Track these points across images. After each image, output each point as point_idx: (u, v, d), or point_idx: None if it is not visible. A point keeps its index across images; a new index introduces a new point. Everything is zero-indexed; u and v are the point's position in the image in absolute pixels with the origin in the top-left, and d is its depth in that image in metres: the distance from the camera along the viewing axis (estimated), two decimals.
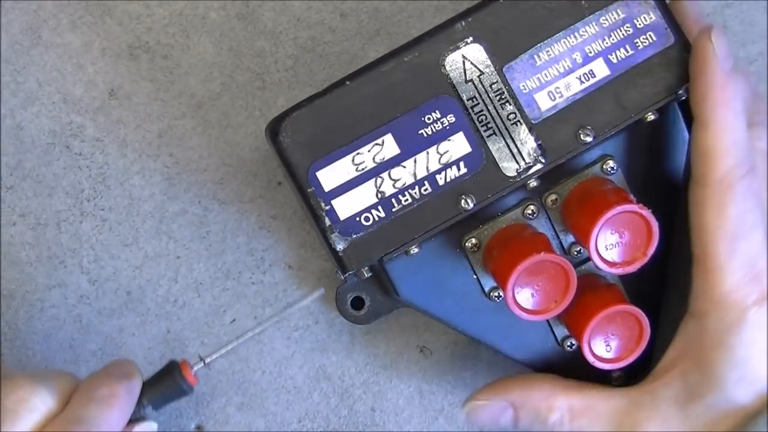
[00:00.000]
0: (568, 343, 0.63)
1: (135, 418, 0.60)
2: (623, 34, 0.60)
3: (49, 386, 0.59)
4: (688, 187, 0.60)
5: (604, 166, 0.62)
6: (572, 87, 0.60)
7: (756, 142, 0.60)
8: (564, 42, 0.60)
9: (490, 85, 0.60)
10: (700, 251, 0.59)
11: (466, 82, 0.60)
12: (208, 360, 0.61)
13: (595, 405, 0.61)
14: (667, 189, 0.63)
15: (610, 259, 0.60)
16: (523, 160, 0.60)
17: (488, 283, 0.62)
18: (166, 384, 0.61)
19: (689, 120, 0.63)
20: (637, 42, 0.60)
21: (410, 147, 0.60)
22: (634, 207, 0.59)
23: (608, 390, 0.62)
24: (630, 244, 0.59)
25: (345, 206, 0.60)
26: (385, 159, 0.60)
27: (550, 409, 0.62)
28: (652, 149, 0.62)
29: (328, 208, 0.60)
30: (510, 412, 0.62)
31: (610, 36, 0.60)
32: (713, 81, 0.59)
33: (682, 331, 0.61)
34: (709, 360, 0.59)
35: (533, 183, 0.60)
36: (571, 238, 0.62)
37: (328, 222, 0.60)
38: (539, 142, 0.60)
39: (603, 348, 0.61)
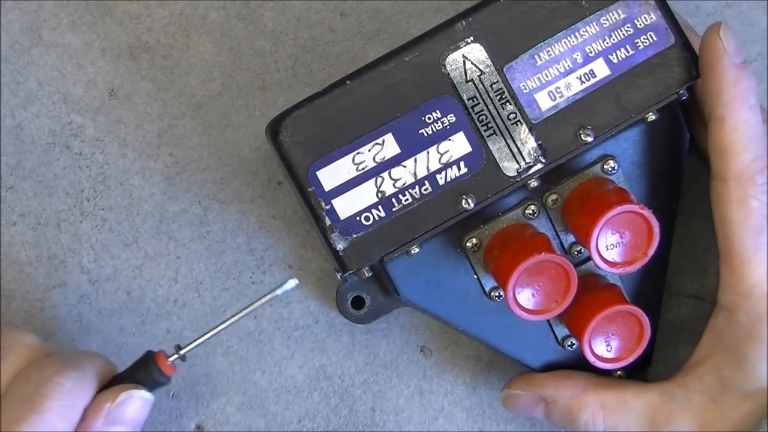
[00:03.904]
0: (569, 343, 0.63)
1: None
2: (624, 34, 0.60)
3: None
4: (710, 184, 0.60)
5: (604, 166, 0.62)
6: (573, 87, 0.60)
7: None
8: (564, 42, 0.60)
9: (491, 85, 0.60)
10: (725, 246, 0.59)
11: (467, 81, 0.60)
12: (183, 351, 0.61)
13: (627, 400, 0.61)
14: (668, 189, 0.63)
15: (610, 259, 0.60)
16: (524, 160, 0.60)
17: (489, 283, 0.62)
18: (141, 375, 0.61)
19: (689, 120, 0.63)
20: (637, 42, 0.60)
21: (411, 146, 0.60)
22: (635, 207, 0.59)
23: (639, 385, 0.62)
24: (631, 244, 0.59)
25: (345, 206, 0.60)
26: (385, 158, 0.60)
27: (581, 407, 0.61)
28: (652, 149, 0.62)
29: (328, 207, 0.60)
30: (542, 406, 0.62)
31: (611, 36, 0.60)
32: (725, 77, 0.58)
33: (712, 325, 0.61)
34: (741, 352, 0.59)
35: (534, 183, 0.60)
36: (571, 238, 0.62)
37: (328, 221, 0.60)
38: (539, 142, 0.60)
39: (603, 348, 0.61)
